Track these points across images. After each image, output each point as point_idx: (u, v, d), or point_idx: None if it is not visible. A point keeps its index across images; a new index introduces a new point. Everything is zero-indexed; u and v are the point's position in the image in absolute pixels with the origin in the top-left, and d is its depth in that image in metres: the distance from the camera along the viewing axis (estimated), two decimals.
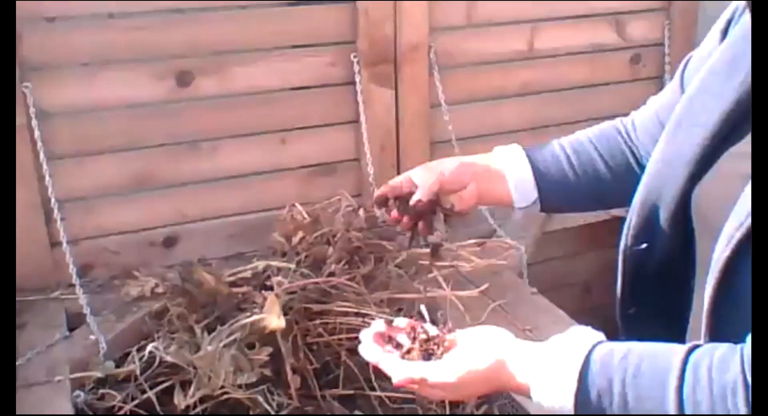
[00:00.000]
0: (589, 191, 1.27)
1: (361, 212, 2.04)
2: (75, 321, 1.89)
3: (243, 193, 2.23)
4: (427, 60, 2.30)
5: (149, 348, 1.75)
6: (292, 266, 1.92)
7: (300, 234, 2.00)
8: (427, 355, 1.05)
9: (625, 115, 2.64)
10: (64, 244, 1.95)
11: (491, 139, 2.47)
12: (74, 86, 1.99)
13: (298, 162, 2.27)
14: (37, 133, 1.90)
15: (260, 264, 1.94)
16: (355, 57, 2.21)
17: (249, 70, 2.14)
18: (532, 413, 1.74)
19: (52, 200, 1.93)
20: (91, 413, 1.66)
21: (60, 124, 1.98)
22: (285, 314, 1.78)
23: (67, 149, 2.00)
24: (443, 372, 0.98)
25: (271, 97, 2.19)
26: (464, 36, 2.37)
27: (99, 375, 1.72)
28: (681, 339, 1.05)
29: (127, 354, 1.79)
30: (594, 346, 0.91)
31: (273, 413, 1.78)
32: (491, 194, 1.28)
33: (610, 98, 2.62)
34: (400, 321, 1.11)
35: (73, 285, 1.92)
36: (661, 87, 2.67)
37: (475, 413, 1.85)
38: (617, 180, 1.26)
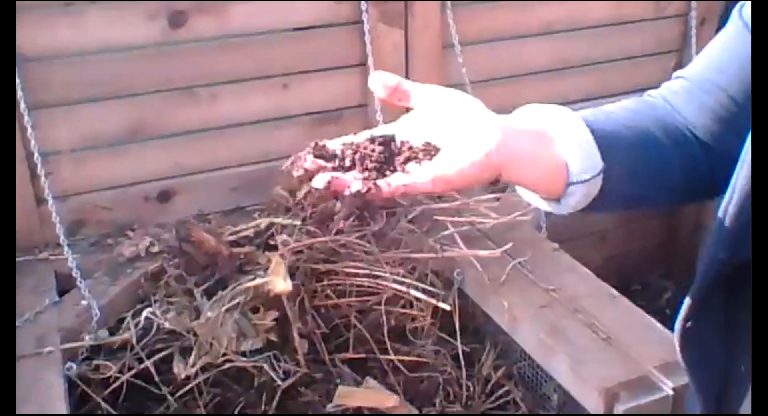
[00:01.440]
0: (654, 169, 0.92)
1: None
2: (65, 284, 1.77)
3: (243, 142, 2.09)
4: None
5: (145, 313, 1.65)
6: (298, 223, 1.80)
7: (305, 188, 1.88)
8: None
9: (650, 55, 2.55)
10: (51, 201, 1.81)
11: (509, 82, 2.35)
12: (57, 28, 1.83)
13: (302, 108, 2.13)
14: (17, 80, 1.75)
15: (263, 222, 1.82)
16: None
17: (248, 9, 1.98)
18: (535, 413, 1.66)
19: (36, 153, 1.79)
20: (84, 386, 1.55)
21: (42, 70, 1.83)
22: (291, 275, 1.67)
23: (51, 97, 1.85)
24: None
25: (272, 39, 2.04)
26: None
27: (92, 343, 1.61)
28: (736, 354, 0.88)
29: (122, 320, 1.69)
30: None
31: (279, 381, 1.68)
32: (531, 162, 0.83)
33: (634, 37, 2.48)
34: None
35: (61, 245, 1.79)
36: (686, 26, 2.52)
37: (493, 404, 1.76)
38: (684, 160, 0.93)
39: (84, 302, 1.68)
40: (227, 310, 1.64)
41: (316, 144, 0.78)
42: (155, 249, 1.81)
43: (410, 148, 0.79)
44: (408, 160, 0.78)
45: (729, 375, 0.89)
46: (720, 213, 0.83)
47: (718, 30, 0.97)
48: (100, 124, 1.93)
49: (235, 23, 1.98)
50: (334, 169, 0.76)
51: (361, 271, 1.77)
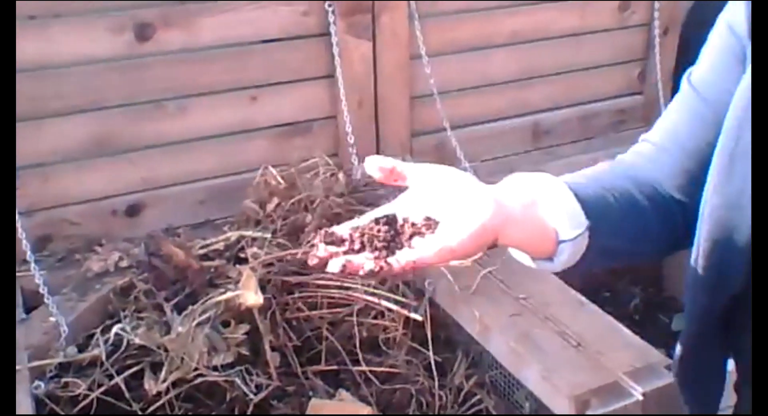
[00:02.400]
0: (636, 226, 1.00)
1: (341, 175, 1.91)
2: (32, 301, 1.75)
3: (212, 155, 2.09)
4: (407, 8, 2.16)
5: (115, 329, 1.63)
6: (268, 236, 1.80)
7: (275, 200, 1.88)
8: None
9: (615, 64, 2.58)
10: (17, 216, 1.79)
11: (476, 92, 2.37)
12: (22, 42, 1.81)
13: (271, 120, 2.13)
14: None
15: (233, 235, 1.81)
16: (329, 6, 2.06)
17: (216, 22, 1.98)
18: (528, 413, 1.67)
19: None
20: (53, 404, 1.53)
21: None
22: (262, 288, 1.67)
23: (19, 111, 1.83)
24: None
25: (241, 51, 2.04)
26: None
27: (61, 361, 1.59)
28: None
29: (91, 336, 1.67)
30: None
31: (252, 395, 1.67)
32: (521, 226, 0.89)
33: (598, 46, 2.52)
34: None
35: (28, 262, 1.76)
36: (649, 35, 2.56)
37: (466, 413, 1.76)
38: (658, 214, 1.01)
39: (52, 319, 1.66)
40: (198, 325, 1.63)
41: (326, 232, 0.83)
42: (124, 264, 1.80)
43: (413, 224, 0.84)
44: (413, 235, 0.83)
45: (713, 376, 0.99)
46: (692, 263, 0.92)
47: (681, 38, 1.04)
48: (68, 137, 1.92)
49: (203, 36, 1.98)
50: (345, 252, 0.82)
51: (332, 283, 1.76)
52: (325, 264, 0.80)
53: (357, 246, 0.82)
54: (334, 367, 1.83)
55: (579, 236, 0.91)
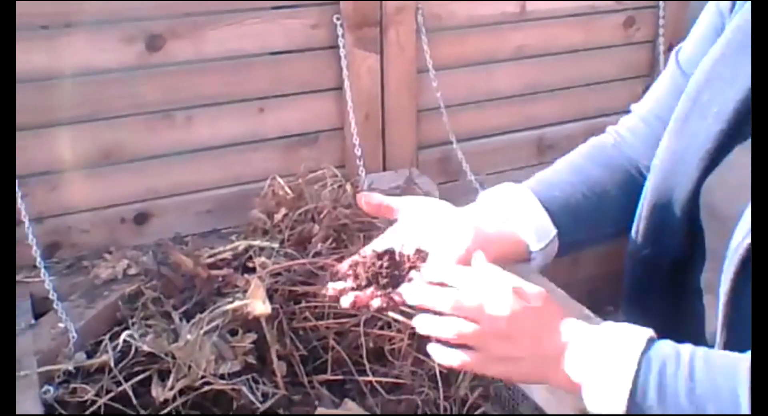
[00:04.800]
0: (603, 215, 1.09)
1: (348, 187, 1.92)
2: (41, 307, 1.76)
3: (219, 165, 2.10)
4: (415, 22, 2.17)
5: (123, 336, 1.63)
6: (276, 246, 1.80)
7: (282, 210, 1.89)
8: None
9: (619, 80, 2.60)
10: (27, 223, 1.80)
11: (482, 106, 2.39)
12: (34, 51, 1.83)
13: (278, 132, 2.14)
14: None
15: (241, 244, 1.82)
16: (338, 19, 2.07)
17: (224, 34, 2.00)
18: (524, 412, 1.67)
19: None
20: (61, 409, 1.54)
21: (19, 93, 1.81)
22: (269, 298, 1.67)
23: (28, 120, 1.85)
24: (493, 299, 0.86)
25: (249, 63, 2.05)
26: None
27: (69, 367, 1.59)
28: (686, 337, 0.99)
29: (99, 342, 1.67)
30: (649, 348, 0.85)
31: (258, 403, 1.67)
32: (497, 243, 1.00)
33: (603, 62, 2.54)
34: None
35: (37, 268, 1.78)
36: (653, 51, 2.59)
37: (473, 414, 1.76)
38: (626, 198, 1.09)
39: (61, 325, 1.67)
40: (206, 333, 1.63)
41: (331, 272, 0.97)
42: (132, 271, 1.81)
43: (408, 258, 0.95)
44: (410, 269, 0.94)
45: None
46: (635, 220, 1.02)
47: None
48: (76, 147, 1.93)
49: (211, 47, 2.00)
50: (353, 288, 0.93)
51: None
52: (337, 300, 0.93)
53: (364, 282, 0.93)
54: (340, 377, 1.83)
55: (548, 245, 1.03)
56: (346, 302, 0.91)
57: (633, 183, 1.10)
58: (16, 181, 1.78)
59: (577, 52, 2.49)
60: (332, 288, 0.94)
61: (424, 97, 2.26)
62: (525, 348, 0.87)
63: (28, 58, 1.82)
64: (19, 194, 1.80)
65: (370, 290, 0.92)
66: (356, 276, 0.94)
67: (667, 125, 1.02)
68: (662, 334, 0.96)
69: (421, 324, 0.88)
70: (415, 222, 0.98)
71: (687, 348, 0.83)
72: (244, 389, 1.66)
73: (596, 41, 2.50)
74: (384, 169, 2.27)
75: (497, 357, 0.87)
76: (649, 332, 0.86)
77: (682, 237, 0.98)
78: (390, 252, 0.95)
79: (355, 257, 0.96)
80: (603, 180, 1.10)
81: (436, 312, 0.87)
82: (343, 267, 0.95)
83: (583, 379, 0.86)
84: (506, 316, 0.85)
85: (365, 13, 2.10)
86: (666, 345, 0.84)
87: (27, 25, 1.80)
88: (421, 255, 0.95)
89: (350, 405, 1.77)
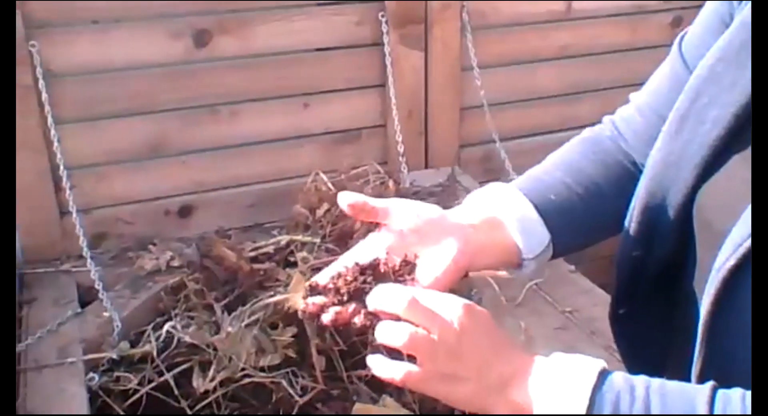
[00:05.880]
0: (598, 217, 1.03)
1: (390, 183, 1.93)
2: (87, 296, 1.79)
3: (263, 160, 2.11)
4: (459, 20, 2.17)
5: (166, 327, 1.66)
6: (317, 241, 1.82)
7: (325, 205, 1.89)
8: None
9: None
10: (74, 213, 1.84)
11: (525, 105, 2.38)
12: (84, 45, 1.86)
13: (322, 128, 2.15)
14: (44, 96, 1.79)
15: (283, 239, 1.83)
16: (382, 16, 2.08)
17: (270, 30, 2.01)
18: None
19: (61, 167, 1.82)
20: (105, 397, 1.57)
21: (69, 86, 1.86)
22: None
23: (77, 113, 1.88)
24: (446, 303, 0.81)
25: (294, 59, 2.07)
26: None
27: (113, 356, 1.62)
28: (671, 344, 0.97)
29: (143, 332, 1.69)
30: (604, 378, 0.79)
31: (297, 397, 1.69)
32: (488, 251, 0.93)
33: (649, 62, 2.46)
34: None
35: (83, 257, 1.81)
36: None
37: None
38: (622, 197, 1.02)
39: (106, 314, 1.69)
40: (247, 326, 1.65)
41: (310, 285, 0.86)
42: (176, 263, 1.83)
43: (394, 270, 0.87)
44: (396, 281, 0.85)
45: (665, 365, 0.96)
46: (627, 220, 0.95)
47: None
48: (123, 139, 1.96)
49: (257, 43, 2.01)
50: (335, 303, 0.84)
51: None
52: (319, 316, 0.83)
53: (346, 297, 0.84)
54: None
55: (542, 251, 0.95)
56: (326, 319, 0.83)
57: (629, 178, 1.03)
58: (65, 172, 1.82)
59: (623, 52, 2.46)
60: (312, 303, 0.85)
61: (468, 95, 2.26)
62: (472, 370, 0.80)
63: (78, 52, 1.85)
64: (67, 185, 1.83)
65: (353, 306, 0.83)
66: (337, 291, 0.84)
67: (664, 121, 0.95)
68: (649, 336, 0.93)
69: (379, 332, 0.81)
70: (402, 228, 0.90)
71: (641, 381, 0.77)
72: (284, 382, 1.67)
73: (643, 41, 2.47)
74: (426, 167, 2.27)
75: (443, 373, 0.80)
76: (601, 364, 0.80)
77: (673, 243, 0.92)
78: (374, 265, 0.86)
79: (337, 266, 0.87)
80: (598, 178, 1.04)
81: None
82: (323, 280, 0.86)
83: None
84: (457, 331, 0.80)
85: (410, 10, 2.10)
86: (619, 378, 0.78)
87: (78, 20, 1.84)
88: (409, 267, 0.87)
89: (388, 401, 1.77)
